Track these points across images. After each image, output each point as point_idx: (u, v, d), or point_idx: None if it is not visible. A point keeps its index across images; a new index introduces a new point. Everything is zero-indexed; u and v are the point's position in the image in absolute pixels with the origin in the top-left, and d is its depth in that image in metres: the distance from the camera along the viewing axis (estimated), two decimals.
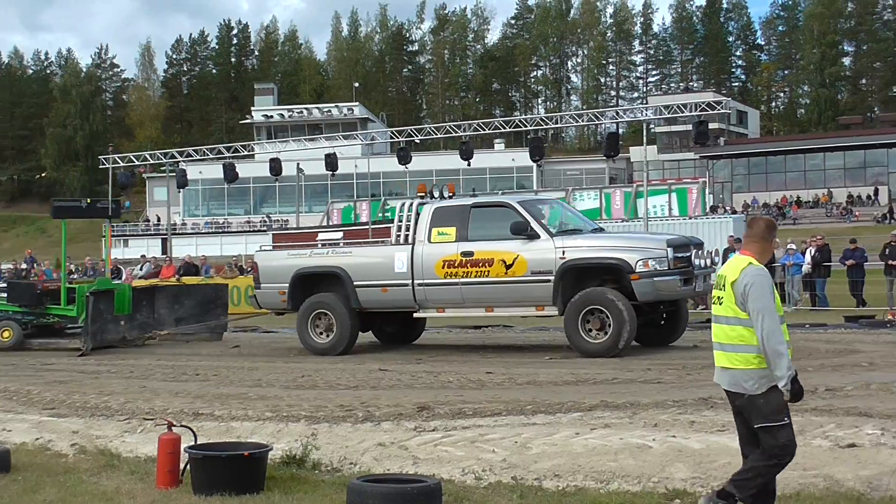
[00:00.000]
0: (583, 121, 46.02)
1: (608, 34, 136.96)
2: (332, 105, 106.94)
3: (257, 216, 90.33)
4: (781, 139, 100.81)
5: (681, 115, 39.25)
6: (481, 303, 18.06)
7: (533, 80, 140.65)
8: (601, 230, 19.68)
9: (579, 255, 17.24)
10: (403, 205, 19.23)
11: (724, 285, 6.74)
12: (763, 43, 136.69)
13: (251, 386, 14.59)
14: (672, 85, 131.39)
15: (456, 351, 19.24)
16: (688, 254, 17.60)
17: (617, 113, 48.64)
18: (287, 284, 19.30)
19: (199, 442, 8.89)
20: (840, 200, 79.34)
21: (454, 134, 44.20)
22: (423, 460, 9.14)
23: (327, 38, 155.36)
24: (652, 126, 75.93)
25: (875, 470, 7.87)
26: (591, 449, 9.04)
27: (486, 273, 17.66)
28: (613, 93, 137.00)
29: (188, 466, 8.48)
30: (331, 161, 39.90)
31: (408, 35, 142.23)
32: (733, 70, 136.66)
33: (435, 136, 46.18)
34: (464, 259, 17.82)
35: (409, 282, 18.32)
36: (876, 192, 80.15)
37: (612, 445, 9.11)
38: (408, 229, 18.67)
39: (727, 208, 70.03)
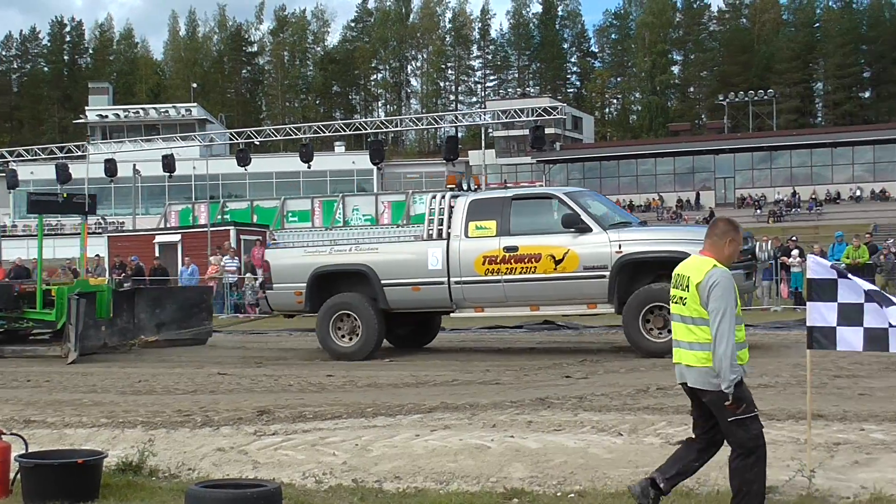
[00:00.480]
0: (422, 124, 46.28)
1: (447, 39, 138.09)
2: (170, 105, 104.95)
3: (92, 218, 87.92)
4: (615, 144, 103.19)
5: (518, 119, 39.86)
6: (526, 301, 16.84)
7: (373, 83, 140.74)
8: (645, 224, 18.90)
9: (638, 249, 16.22)
10: (434, 197, 17.86)
11: (687, 286, 6.73)
12: (597, 50, 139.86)
13: (86, 392, 14.18)
14: (510, 90, 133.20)
15: (297, 355, 19.08)
16: (747, 246, 16.59)
17: (456, 117, 49.10)
18: (304, 284, 17.81)
19: (30, 450, 8.61)
20: (671, 205, 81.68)
21: (294, 136, 44.02)
22: (263, 464, 9.05)
23: (164, 38, 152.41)
24: (490, 130, 76.85)
25: (706, 467, 8.11)
26: (431, 450, 9.09)
27: (533, 269, 16.48)
28: (452, 97, 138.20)
29: (18, 476, 8.21)
30: (168, 162, 39.20)
31: (247, 36, 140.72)
32: (568, 76, 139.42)
33: (275, 139, 45.85)
34: (507, 254, 16.61)
35: (445, 279, 17.06)
36: (698, 196, 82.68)
37: (451, 446, 9.17)
38: (441, 223, 17.38)
39: None
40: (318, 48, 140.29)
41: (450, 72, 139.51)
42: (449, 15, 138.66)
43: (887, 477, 7.47)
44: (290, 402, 12.29)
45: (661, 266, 15.70)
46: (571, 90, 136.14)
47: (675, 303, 6.87)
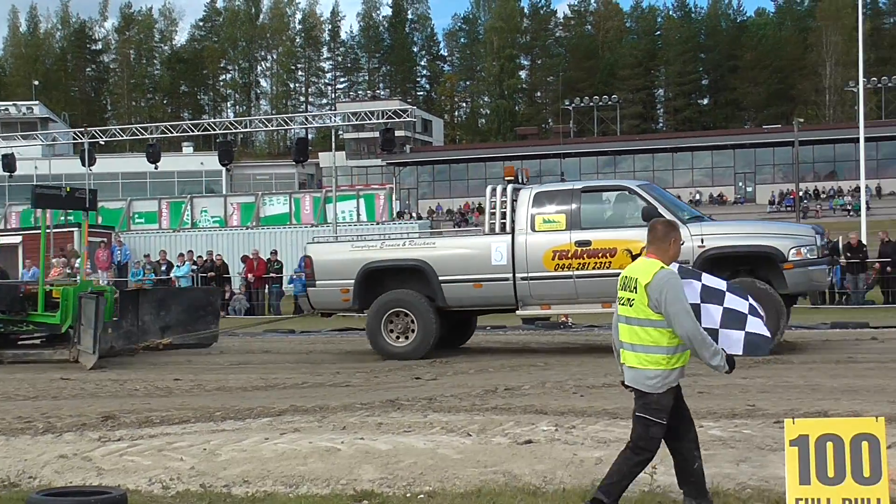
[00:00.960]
0: (272, 125, 45.86)
1: (297, 40, 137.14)
2: (10, 103, 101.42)
3: None
4: (464, 147, 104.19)
5: (368, 122, 39.82)
6: (598, 297, 15.91)
7: (222, 83, 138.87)
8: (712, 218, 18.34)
9: (722, 244, 15.64)
10: (495, 189, 17.14)
11: (634, 287, 6.74)
12: (446, 54, 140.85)
13: None
14: (360, 92, 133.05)
15: (141, 358, 18.67)
16: (826, 241, 16.36)
17: (306, 119, 48.74)
18: (352, 281, 16.79)
19: None
20: None
21: (141, 136, 43.05)
22: (107, 471, 8.83)
23: (4, 34, 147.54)
24: (340, 132, 76.60)
25: (550, 464, 8.23)
26: (281, 454, 9.01)
27: (608, 264, 15.71)
28: (302, 98, 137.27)
29: None
30: (8, 162, 37.96)
31: (91, 33, 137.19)
32: (418, 79, 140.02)
33: (121, 139, 44.74)
34: (579, 249, 15.93)
35: (510, 275, 16.29)
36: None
37: (301, 449, 9.10)
38: (504, 217, 16.69)
39: (413, 214, 71.64)
40: (166, 47, 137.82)
41: (300, 73, 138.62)
42: (299, 16, 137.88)
43: (724, 472, 7.70)
44: (136, 406, 12.04)
45: (739, 261, 15.69)
46: (421, 93, 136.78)
47: (622, 304, 6.88)
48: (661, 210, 15.57)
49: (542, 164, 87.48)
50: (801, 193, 66.69)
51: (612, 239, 15.85)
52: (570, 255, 15.93)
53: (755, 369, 13.67)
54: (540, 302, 16.48)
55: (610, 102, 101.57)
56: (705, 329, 6.83)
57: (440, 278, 16.48)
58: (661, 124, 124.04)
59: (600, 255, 15.86)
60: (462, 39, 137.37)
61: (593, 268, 15.86)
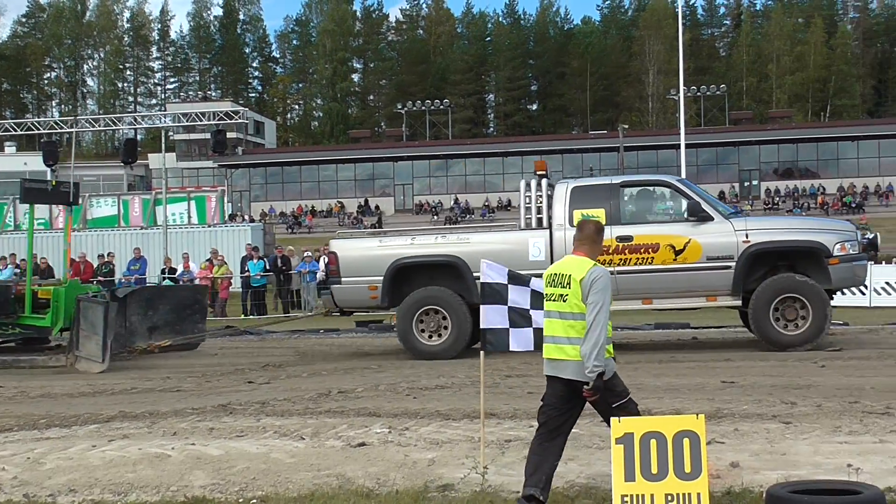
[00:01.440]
0: (100, 126, 44.63)
1: (125, 39, 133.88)
2: None
3: None
4: (297, 150, 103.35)
5: (199, 123, 39.14)
6: (639, 294, 15.79)
7: (46, 81, 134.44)
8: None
9: (768, 239, 15.54)
10: (530, 184, 16.70)
11: (568, 283, 6.91)
12: (278, 56, 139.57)
13: None
14: (190, 93, 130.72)
15: None
16: (869, 237, 16.21)
17: (135, 119, 47.61)
18: (381, 277, 16.20)
19: None
20: (351, 210, 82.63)
21: None
22: None
23: None
24: (170, 133, 75.11)
25: (383, 466, 8.26)
26: (109, 461, 8.79)
27: (650, 260, 15.57)
28: (131, 98, 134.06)
29: None
30: None
31: None
32: (250, 81, 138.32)
33: None
34: (620, 244, 15.60)
35: None
36: (365, 202, 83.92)
37: (130, 456, 8.90)
38: (540, 212, 16.39)
39: (245, 217, 70.70)
40: None
41: (128, 72, 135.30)
42: (127, 14, 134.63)
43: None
44: None
45: (781, 257, 15.59)
46: (253, 95, 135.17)
47: (553, 300, 7.03)
48: (704, 206, 15.72)
49: (374, 167, 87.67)
50: None
51: (655, 234, 15.66)
52: (610, 251, 15.48)
53: None
54: None
55: (442, 107, 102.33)
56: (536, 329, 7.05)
57: (475, 274, 15.89)
58: (491, 129, 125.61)
59: (642, 250, 15.65)
60: (294, 41, 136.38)
61: (635, 263, 15.63)
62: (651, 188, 16.80)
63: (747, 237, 15.37)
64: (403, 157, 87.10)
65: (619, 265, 15.51)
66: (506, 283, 7.85)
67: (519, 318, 7.77)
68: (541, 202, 16.39)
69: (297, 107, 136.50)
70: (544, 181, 16.62)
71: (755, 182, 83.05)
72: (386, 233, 17.80)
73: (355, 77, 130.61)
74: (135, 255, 31.88)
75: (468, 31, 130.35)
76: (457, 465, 8.12)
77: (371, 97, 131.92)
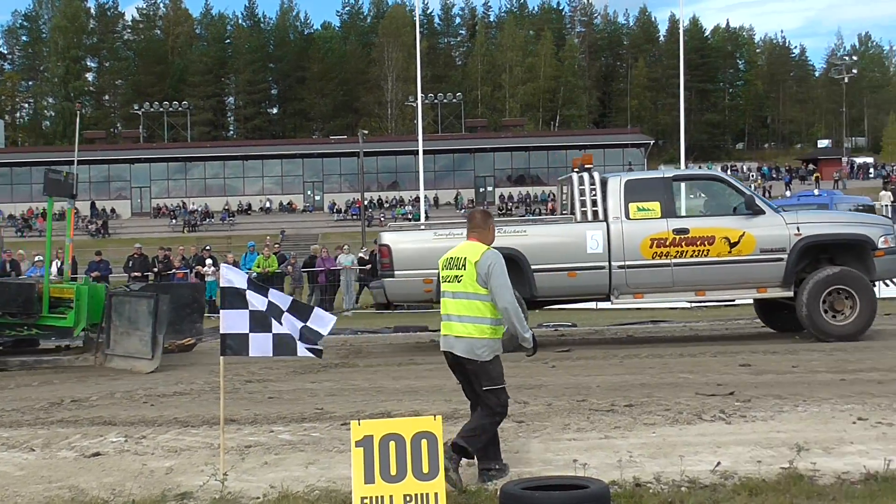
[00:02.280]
0: None
1: None
2: None
3: None
4: (27, 150, 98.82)
5: None
6: (694, 285, 15.84)
7: None
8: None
9: (819, 231, 15.78)
10: (582, 178, 16.26)
11: (464, 265, 7.49)
12: (6, 52, 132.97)
13: None
14: None
15: None
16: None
17: None
18: (436, 271, 14.13)
19: None
20: (85, 213, 79.61)
21: None
22: None
23: None
24: None
25: (119, 476, 8.01)
26: None
27: (706, 252, 15.60)
28: None
29: None
30: None
31: None
32: None
33: None
34: (677, 237, 15.59)
35: (606, 264, 15.70)
36: (92, 204, 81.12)
37: None
38: (595, 204, 16.00)
39: None
40: None
41: None
42: None
43: (294, 475, 7.82)
44: None
45: (825, 250, 15.77)
46: None
47: (449, 282, 7.60)
48: (757, 200, 16.03)
49: (110, 169, 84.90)
50: (366, 202, 68.92)
51: (711, 227, 15.77)
52: (668, 243, 15.65)
53: (323, 373, 14.02)
54: (634, 291, 15.99)
55: (181, 108, 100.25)
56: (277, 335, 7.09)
57: (533, 268, 15.73)
58: (231, 132, 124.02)
59: (698, 242, 15.68)
60: (24, 37, 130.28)
61: (691, 256, 15.67)
62: (703, 181, 17.31)
63: (798, 230, 15.72)
64: (141, 159, 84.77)
65: (675, 257, 15.71)
66: (245, 287, 7.76)
67: (259, 323, 7.71)
68: (595, 195, 16.18)
69: (26, 105, 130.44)
70: (596, 174, 16.48)
71: (490, 188, 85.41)
72: (439, 225, 17.48)
73: (90, 76, 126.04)
74: None
75: (207, 32, 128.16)
76: (196, 473, 7.97)
77: (106, 97, 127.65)
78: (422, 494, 6.47)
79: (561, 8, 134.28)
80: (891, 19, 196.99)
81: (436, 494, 6.48)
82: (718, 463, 7.55)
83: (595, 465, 7.63)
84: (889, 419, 8.81)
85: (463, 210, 78.97)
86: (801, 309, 15.46)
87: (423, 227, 17.80)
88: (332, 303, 27.67)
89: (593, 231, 15.85)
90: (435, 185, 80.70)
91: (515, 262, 15.52)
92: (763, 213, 15.83)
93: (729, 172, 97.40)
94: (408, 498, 6.46)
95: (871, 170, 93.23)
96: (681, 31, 40.12)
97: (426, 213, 46.86)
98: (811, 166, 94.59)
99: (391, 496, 6.46)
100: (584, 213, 16.13)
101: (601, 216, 15.99)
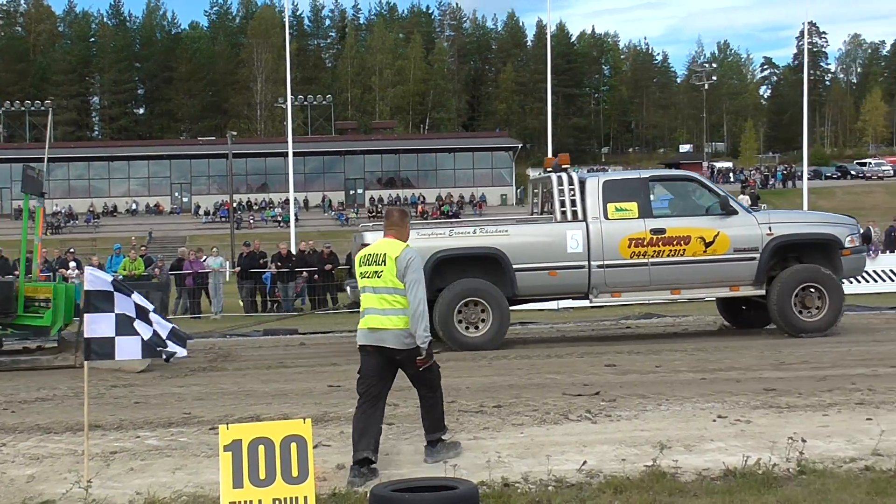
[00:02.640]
0: None
1: None
2: None
3: None
4: None
5: None
6: (670, 284, 16.20)
7: None
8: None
9: (791, 231, 16.29)
10: (561, 178, 16.42)
11: (384, 261, 7.75)
12: None
13: None
14: None
15: None
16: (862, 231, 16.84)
17: None
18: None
19: None
20: None
21: None
22: None
23: None
24: None
25: None
26: None
27: (682, 252, 15.95)
28: None
29: None
30: None
31: None
32: None
33: None
34: (654, 237, 15.92)
35: (585, 263, 15.94)
36: None
37: None
38: (574, 204, 16.17)
39: None
40: None
41: None
42: None
43: (161, 481, 7.68)
44: None
45: (793, 249, 16.23)
46: None
47: (368, 277, 7.85)
48: (731, 201, 16.53)
49: None
50: (235, 204, 68.15)
51: (686, 227, 16.08)
52: (645, 243, 15.95)
53: (191, 377, 13.83)
54: (612, 290, 16.24)
55: (43, 108, 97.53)
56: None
57: (514, 267, 15.87)
58: (96, 132, 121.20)
59: (675, 242, 15.99)
60: None
61: (668, 255, 15.97)
62: (678, 182, 17.47)
63: (770, 230, 16.14)
64: (2, 159, 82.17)
65: (653, 257, 15.99)
66: (112, 290, 7.61)
67: (126, 326, 7.57)
68: (574, 196, 16.32)
69: None
70: (574, 175, 16.71)
71: (360, 191, 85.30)
72: (419, 226, 17.43)
73: None
74: None
75: (71, 30, 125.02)
76: (59, 480, 7.77)
77: None
78: (291, 498, 6.44)
79: (430, 12, 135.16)
80: (748, 28, 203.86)
81: (305, 498, 6.45)
82: (584, 462, 7.67)
83: (464, 465, 7.67)
84: (747, 416, 9.09)
85: (333, 213, 78.78)
86: (773, 306, 15.96)
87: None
88: (199, 306, 27.30)
89: (573, 231, 16.10)
90: (305, 187, 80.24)
91: (497, 262, 15.91)
92: (736, 213, 16.28)
93: None
94: (277, 501, 6.41)
95: (731, 174, 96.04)
96: (548, 37, 40.73)
97: (296, 215, 46.50)
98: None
99: (260, 500, 6.41)
100: (563, 214, 16.32)
101: (580, 216, 16.21)
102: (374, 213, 77.07)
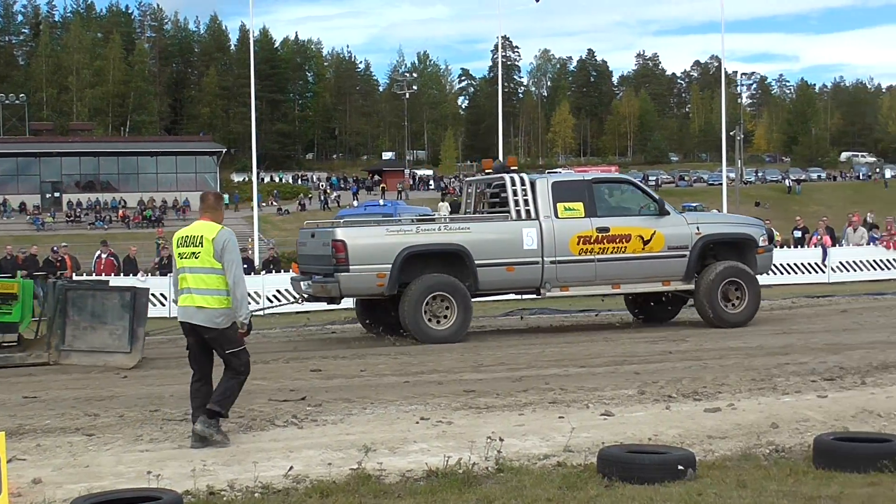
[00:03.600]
0: None
1: None
2: None
3: None
4: None
5: None
6: (612, 279, 17.11)
7: None
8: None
9: (715, 231, 17.56)
10: (514, 178, 17.14)
11: (200, 242, 8.33)
12: None
13: None
14: None
15: None
16: (766, 233, 18.76)
17: None
18: (389, 266, 16.01)
19: None
20: None
21: None
22: None
23: None
24: None
25: None
26: None
27: (623, 249, 16.94)
28: None
29: None
30: None
31: None
32: None
33: None
34: (600, 235, 16.86)
35: (539, 259, 16.66)
36: None
37: None
38: (527, 204, 16.83)
39: None
40: None
41: None
42: None
43: None
44: None
45: (715, 247, 17.46)
46: None
47: (186, 258, 8.41)
48: (665, 203, 17.59)
49: None
50: None
51: (627, 226, 17.02)
52: (592, 241, 16.83)
53: None
54: (562, 284, 16.94)
55: None
56: None
57: (476, 262, 16.37)
58: None
59: (617, 240, 16.90)
60: None
61: (611, 252, 16.89)
62: (617, 184, 18.52)
63: (699, 230, 17.31)
64: None
65: (598, 254, 16.90)
66: None
67: None
68: (526, 196, 16.95)
69: None
70: (525, 176, 17.40)
71: (58, 194, 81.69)
72: (388, 222, 18.24)
73: None
74: None
75: None
76: None
77: None
78: None
79: (130, 11, 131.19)
80: (447, 40, 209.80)
81: None
82: (291, 467, 7.67)
83: (169, 475, 7.52)
84: (448, 418, 9.35)
85: (29, 217, 75.14)
86: (702, 299, 17.11)
87: (373, 223, 18.43)
88: None
89: (528, 229, 16.80)
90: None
91: (460, 257, 16.49)
92: (668, 213, 17.37)
93: (300, 182, 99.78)
94: None
95: (432, 182, 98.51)
96: (251, 41, 40.38)
97: None
98: (377, 177, 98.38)
99: None
100: (517, 213, 16.95)
101: (533, 215, 16.89)
102: (73, 218, 74.10)
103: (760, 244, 17.83)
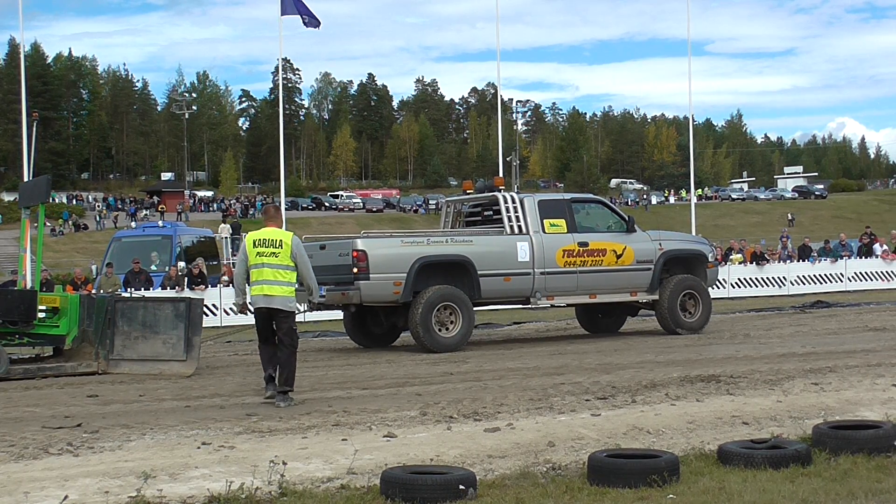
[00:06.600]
0: None
1: None
2: None
3: None
4: None
5: None
6: (590, 290, 18.45)
7: None
8: None
9: (675, 247, 19.26)
10: (506, 197, 18.54)
11: (280, 244, 11.30)
12: None
13: None
14: None
15: None
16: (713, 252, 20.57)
17: None
18: (404, 274, 16.95)
19: None
20: None
21: None
22: None
23: None
24: None
25: None
26: None
27: (601, 262, 18.37)
28: None
29: None
30: None
31: None
32: None
33: None
34: (580, 249, 18.23)
35: (531, 270, 17.92)
36: None
37: None
38: (518, 220, 18.17)
39: None
40: None
41: None
42: None
43: None
44: None
45: (674, 262, 19.12)
46: None
47: (266, 256, 11.26)
48: (633, 221, 19.03)
49: None
50: None
51: (603, 242, 18.52)
52: (575, 254, 18.18)
53: None
54: (548, 294, 18.17)
55: None
56: None
57: (479, 272, 17.41)
58: None
59: (595, 254, 18.37)
60: None
61: (591, 265, 18.31)
62: (591, 204, 19.85)
63: (661, 245, 18.93)
64: None
65: (580, 266, 18.27)
66: None
67: None
68: (517, 212, 18.23)
69: None
70: (514, 195, 18.74)
71: None
72: (403, 234, 20.09)
73: None
74: None
75: None
76: None
77: None
78: None
79: None
80: (228, 60, 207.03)
81: None
82: (66, 496, 7.36)
83: None
84: (230, 442, 9.16)
85: None
86: (664, 309, 18.72)
87: (389, 234, 20.27)
88: None
89: (522, 242, 18.03)
90: None
91: (465, 267, 17.54)
92: (635, 230, 18.88)
93: (75, 202, 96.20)
94: None
95: (213, 203, 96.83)
96: (22, 56, 38.70)
97: None
98: (155, 198, 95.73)
99: None
100: (511, 228, 18.20)
101: (524, 230, 18.13)
102: None
103: (710, 260, 19.77)
